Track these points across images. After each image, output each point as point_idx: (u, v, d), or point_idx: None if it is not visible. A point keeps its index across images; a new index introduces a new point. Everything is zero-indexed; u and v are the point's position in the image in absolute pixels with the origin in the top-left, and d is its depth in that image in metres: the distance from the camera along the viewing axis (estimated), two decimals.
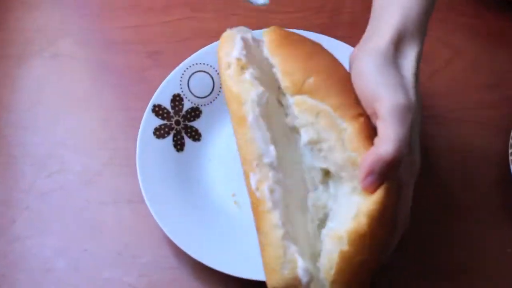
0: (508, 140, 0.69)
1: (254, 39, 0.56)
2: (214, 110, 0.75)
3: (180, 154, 0.72)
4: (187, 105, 0.75)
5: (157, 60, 0.81)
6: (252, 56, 0.53)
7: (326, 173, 0.51)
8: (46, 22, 0.85)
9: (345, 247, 0.46)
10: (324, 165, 0.50)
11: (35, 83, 0.81)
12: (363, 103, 0.50)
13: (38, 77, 0.81)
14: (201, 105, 0.75)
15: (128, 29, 0.84)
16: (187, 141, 0.73)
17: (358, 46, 0.53)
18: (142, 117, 0.72)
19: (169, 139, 0.72)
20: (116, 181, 0.73)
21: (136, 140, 0.71)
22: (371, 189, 0.47)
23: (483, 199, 0.70)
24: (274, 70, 0.53)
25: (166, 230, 0.66)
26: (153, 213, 0.67)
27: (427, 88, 0.76)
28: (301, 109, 0.50)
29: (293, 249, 0.46)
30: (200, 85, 0.75)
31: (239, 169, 0.70)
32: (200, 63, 0.75)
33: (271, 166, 0.48)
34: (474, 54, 0.79)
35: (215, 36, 0.73)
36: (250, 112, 0.49)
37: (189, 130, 0.74)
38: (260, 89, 0.50)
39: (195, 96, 0.75)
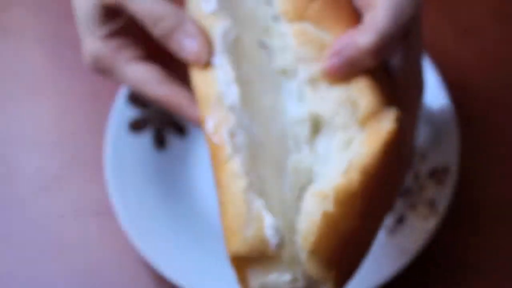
0: None
1: None
2: None
3: (162, 152, 0.68)
4: None
5: None
6: None
7: (315, 128, 0.47)
8: None
9: (331, 207, 0.41)
10: (315, 108, 0.46)
11: None
12: None
13: None
14: None
15: None
16: (170, 136, 0.69)
17: None
18: (112, 106, 0.68)
19: (147, 134, 0.68)
20: (80, 188, 0.70)
21: (103, 134, 0.68)
22: (331, 71, 0.45)
23: None
24: None
25: (142, 249, 0.62)
26: (126, 228, 0.63)
27: (473, 68, 0.72)
28: (301, 41, 0.47)
29: (258, 203, 0.42)
30: None
31: None
32: None
33: (231, 108, 0.45)
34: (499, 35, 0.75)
35: None
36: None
37: (172, 122, 0.70)
38: (227, 23, 0.48)
39: None
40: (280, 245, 0.41)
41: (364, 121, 0.45)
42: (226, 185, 0.43)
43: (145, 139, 0.68)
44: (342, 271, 0.43)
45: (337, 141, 0.45)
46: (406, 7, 0.46)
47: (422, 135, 0.66)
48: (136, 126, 0.68)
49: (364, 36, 0.45)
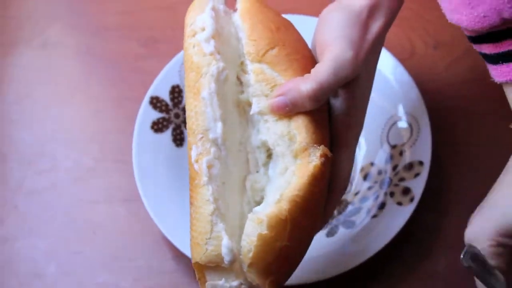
0: None
1: (226, 10, 0.56)
2: None
3: (180, 149, 0.72)
4: None
5: (154, 49, 0.81)
6: (220, 27, 0.54)
7: (269, 155, 0.52)
8: (34, 9, 0.85)
9: (264, 231, 0.47)
10: (264, 137, 0.51)
11: (23, 73, 0.80)
12: (318, 49, 0.53)
13: (26, 67, 0.81)
14: None
15: (122, 15, 0.84)
16: (187, 135, 0.72)
17: (334, 2, 0.56)
18: (137, 109, 0.72)
19: (168, 133, 0.72)
20: (110, 178, 0.74)
21: (131, 133, 0.71)
22: (276, 108, 0.50)
23: None
24: (241, 35, 0.54)
25: (164, 231, 0.66)
26: (150, 213, 0.67)
27: (445, 78, 0.76)
28: (258, 79, 0.52)
29: (220, 226, 0.48)
30: None
31: None
32: None
33: (214, 142, 0.50)
34: None
35: None
36: (206, 86, 0.51)
37: None
38: (221, 64, 0.52)
39: None
40: (232, 261, 0.48)
41: (297, 154, 0.50)
42: (198, 205, 0.49)
43: (166, 137, 0.72)
44: (277, 277, 0.49)
45: (279, 167, 0.51)
46: (346, 65, 0.51)
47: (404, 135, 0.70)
48: (158, 126, 0.72)
49: (306, 84, 0.50)
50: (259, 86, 0.52)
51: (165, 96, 0.73)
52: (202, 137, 0.50)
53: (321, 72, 0.50)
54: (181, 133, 0.73)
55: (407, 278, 0.67)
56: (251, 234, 0.48)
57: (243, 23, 0.54)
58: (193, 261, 0.49)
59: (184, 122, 0.72)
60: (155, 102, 0.72)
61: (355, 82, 0.53)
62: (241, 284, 0.49)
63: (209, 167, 0.49)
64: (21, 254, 0.70)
